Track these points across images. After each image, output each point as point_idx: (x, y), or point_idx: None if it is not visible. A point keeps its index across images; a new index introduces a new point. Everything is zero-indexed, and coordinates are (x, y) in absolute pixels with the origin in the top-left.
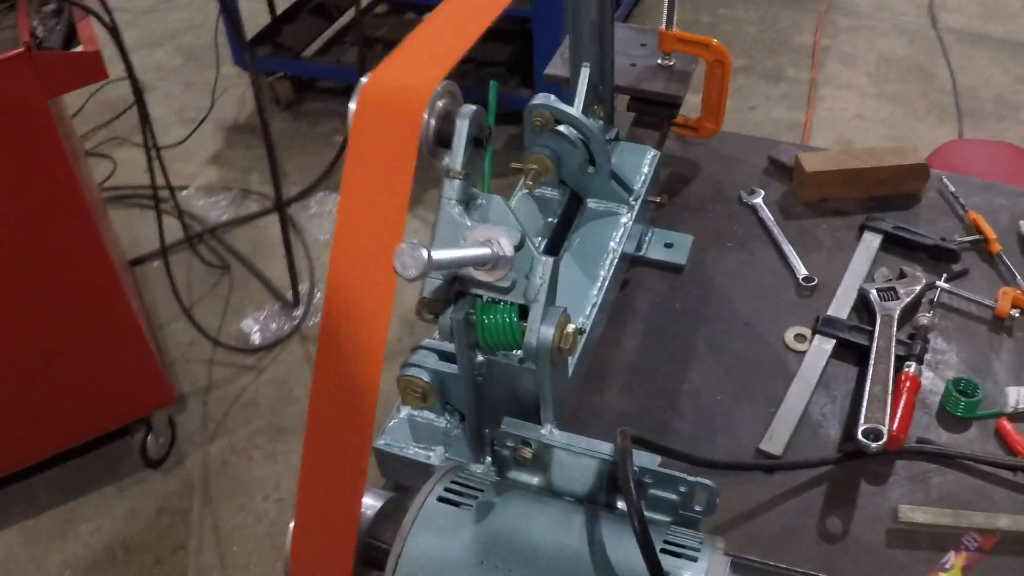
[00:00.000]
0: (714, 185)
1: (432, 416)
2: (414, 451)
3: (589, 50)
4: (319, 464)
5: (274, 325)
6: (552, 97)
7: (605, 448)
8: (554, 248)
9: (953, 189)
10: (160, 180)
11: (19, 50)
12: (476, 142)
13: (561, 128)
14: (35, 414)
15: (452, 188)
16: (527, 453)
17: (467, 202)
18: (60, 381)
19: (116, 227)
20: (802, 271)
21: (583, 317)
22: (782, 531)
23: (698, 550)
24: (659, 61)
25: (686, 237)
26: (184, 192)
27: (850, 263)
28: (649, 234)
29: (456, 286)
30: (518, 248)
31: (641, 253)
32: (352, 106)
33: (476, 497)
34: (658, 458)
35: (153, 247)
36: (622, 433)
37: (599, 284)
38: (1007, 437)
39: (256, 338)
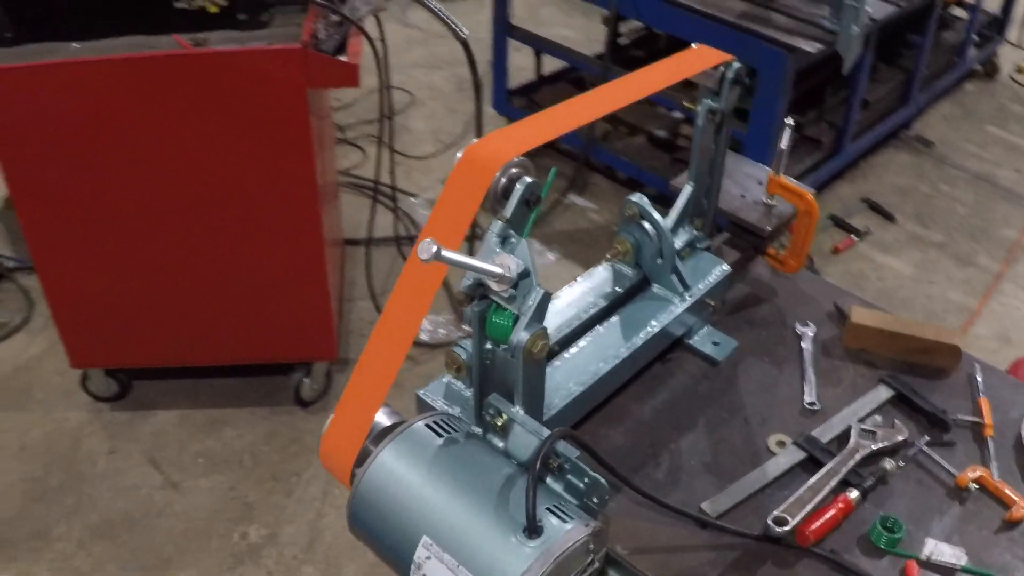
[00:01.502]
0: (780, 311)
1: (462, 386)
2: (440, 404)
3: (700, 173)
4: (358, 385)
5: (443, 331)
6: (644, 198)
7: (544, 433)
8: (611, 309)
9: (980, 378)
10: (386, 179)
11: (296, 46)
12: (526, 202)
13: (645, 223)
14: (227, 327)
15: (496, 226)
16: (499, 421)
17: (505, 238)
18: (253, 307)
19: (346, 208)
20: (810, 397)
21: (603, 363)
22: (686, 569)
23: (572, 519)
24: (764, 199)
25: (732, 342)
26: (412, 199)
27: (854, 403)
28: (704, 329)
29: (480, 290)
30: (522, 277)
31: (690, 341)
32: (458, 155)
33: (450, 434)
34: (576, 451)
35: (374, 234)
36: (559, 431)
37: (628, 345)
38: None
39: (424, 336)
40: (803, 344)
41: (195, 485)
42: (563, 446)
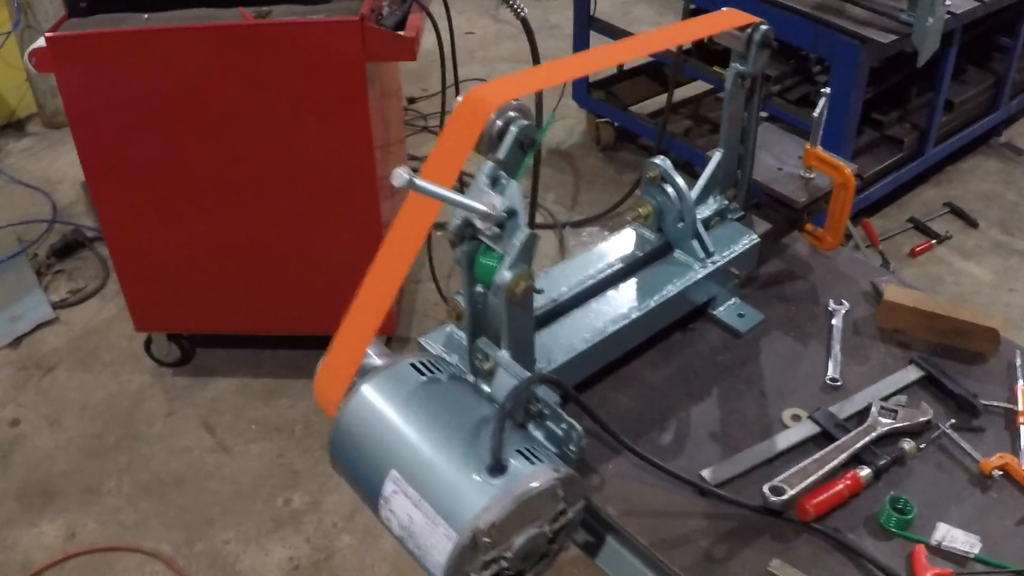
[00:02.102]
0: (813, 288)
1: (463, 335)
2: (439, 350)
3: (731, 140)
4: (351, 323)
5: None
6: (667, 160)
7: (521, 375)
8: (628, 272)
9: (1020, 363)
10: None
11: (354, 18)
12: (520, 145)
13: (667, 186)
14: (287, 298)
15: (487, 166)
16: (485, 365)
17: (495, 179)
18: (313, 278)
19: None
20: (833, 373)
21: (608, 323)
22: (677, 536)
23: (541, 463)
24: (801, 172)
25: (757, 315)
26: None
27: (880, 382)
28: (731, 300)
29: (469, 230)
30: (509, 217)
31: (714, 311)
32: (458, 99)
33: (434, 374)
34: (556, 397)
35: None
36: (539, 375)
37: (641, 308)
38: (915, 562)
39: None
40: (833, 321)
41: (245, 450)
42: (543, 391)
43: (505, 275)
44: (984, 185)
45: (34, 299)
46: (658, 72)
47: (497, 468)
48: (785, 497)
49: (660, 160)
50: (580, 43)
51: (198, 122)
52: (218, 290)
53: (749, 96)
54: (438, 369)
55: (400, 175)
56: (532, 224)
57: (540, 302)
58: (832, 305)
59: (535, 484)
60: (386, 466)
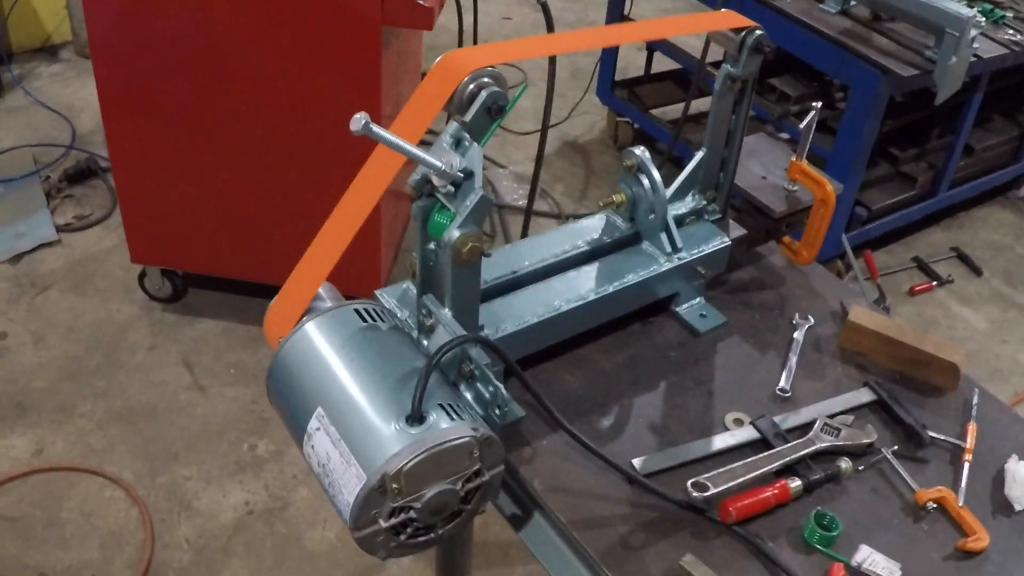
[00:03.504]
0: (782, 300)
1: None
2: (392, 305)
3: (715, 141)
4: (306, 264)
5: None
6: (647, 151)
7: (459, 333)
8: (593, 256)
9: (977, 402)
10: None
11: None
12: (488, 110)
13: (643, 176)
14: (280, 248)
15: (452, 127)
16: (427, 321)
17: (459, 140)
18: (307, 233)
19: None
20: (784, 384)
21: (563, 301)
22: (598, 519)
23: (460, 420)
24: (785, 184)
25: (720, 318)
26: (499, 169)
27: (830, 399)
28: (696, 300)
29: (427, 187)
30: (465, 177)
31: (677, 308)
32: (438, 59)
33: (375, 322)
34: (486, 358)
35: None
36: (473, 335)
37: (598, 291)
38: None
39: None
40: (795, 334)
41: (220, 392)
42: (478, 352)
43: (454, 233)
44: (994, 235)
45: (40, 219)
46: (685, 78)
47: (416, 418)
48: (708, 494)
49: (639, 150)
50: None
51: (217, 65)
52: (216, 232)
53: (738, 99)
54: (381, 318)
55: (358, 119)
56: (532, 210)
57: (498, 272)
58: (797, 319)
59: (450, 438)
60: (314, 403)
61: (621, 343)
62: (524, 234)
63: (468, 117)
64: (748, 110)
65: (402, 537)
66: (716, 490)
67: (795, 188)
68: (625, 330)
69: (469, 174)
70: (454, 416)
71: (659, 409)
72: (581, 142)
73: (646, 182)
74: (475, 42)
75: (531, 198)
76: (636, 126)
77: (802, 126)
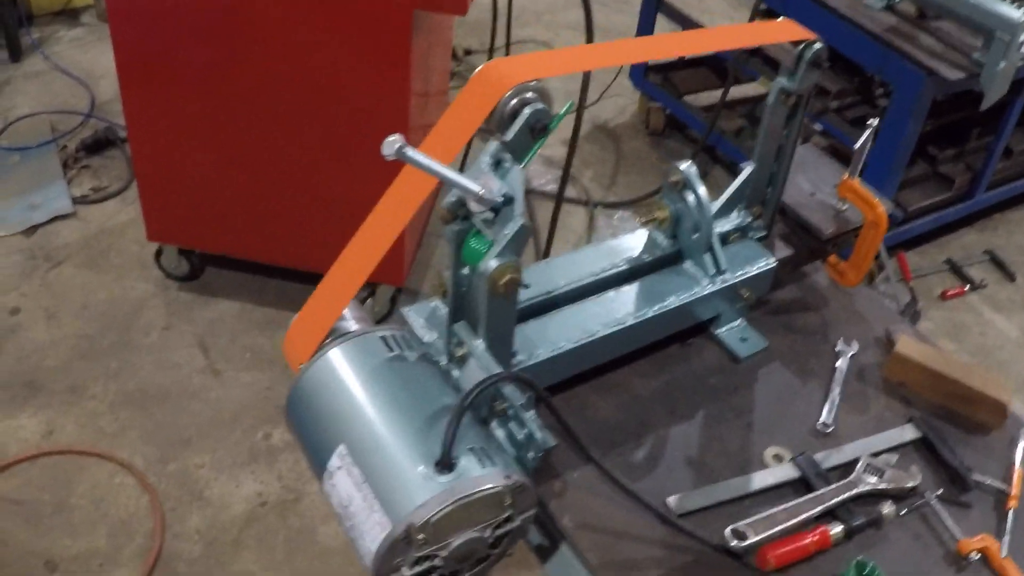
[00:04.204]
0: (825, 324)
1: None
2: (420, 326)
3: (765, 156)
4: (331, 283)
5: None
6: (693, 166)
7: (492, 368)
8: (632, 275)
9: (1023, 443)
10: None
11: None
12: (531, 129)
13: (688, 192)
14: (300, 231)
15: (492, 146)
16: (459, 351)
17: (499, 161)
18: (329, 216)
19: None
20: (826, 418)
21: (602, 326)
22: (629, 561)
23: (493, 466)
24: (834, 202)
25: (762, 342)
26: None
27: (873, 436)
28: (736, 322)
29: (463, 210)
30: (505, 203)
31: (717, 331)
32: (477, 71)
33: (402, 351)
34: (522, 397)
35: None
36: (509, 372)
37: (637, 315)
38: None
39: None
40: (838, 363)
41: (235, 377)
42: (511, 390)
43: (490, 264)
44: None
45: (56, 190)
46: (719, 65)
47: (445, 464)
48: (747, 543)
49: (685, 165)
50: (645, 23)
51: (240, 37)
52: (235, 212)
53: (792, 114)
54: (408, 347)
55: (391, 143)
56: (563, 197)
57: (533, 293)
58: (840, 345)
59: (481, 487)
60: (336, 438)
61: (657, 367)
62: (553, 223)
63: (509, 136)
64: (801, 125)
65: None
66: (756, 538)
67: (844, 207)
68: (662, 352)
69: (509, 200)
70: (485, 462)
71: (696, 441)
72: (612, 126)
73: (692, 199)
74: (509, 17)
75: (562, 186)
76: (668, 112)
77: (857, 145)
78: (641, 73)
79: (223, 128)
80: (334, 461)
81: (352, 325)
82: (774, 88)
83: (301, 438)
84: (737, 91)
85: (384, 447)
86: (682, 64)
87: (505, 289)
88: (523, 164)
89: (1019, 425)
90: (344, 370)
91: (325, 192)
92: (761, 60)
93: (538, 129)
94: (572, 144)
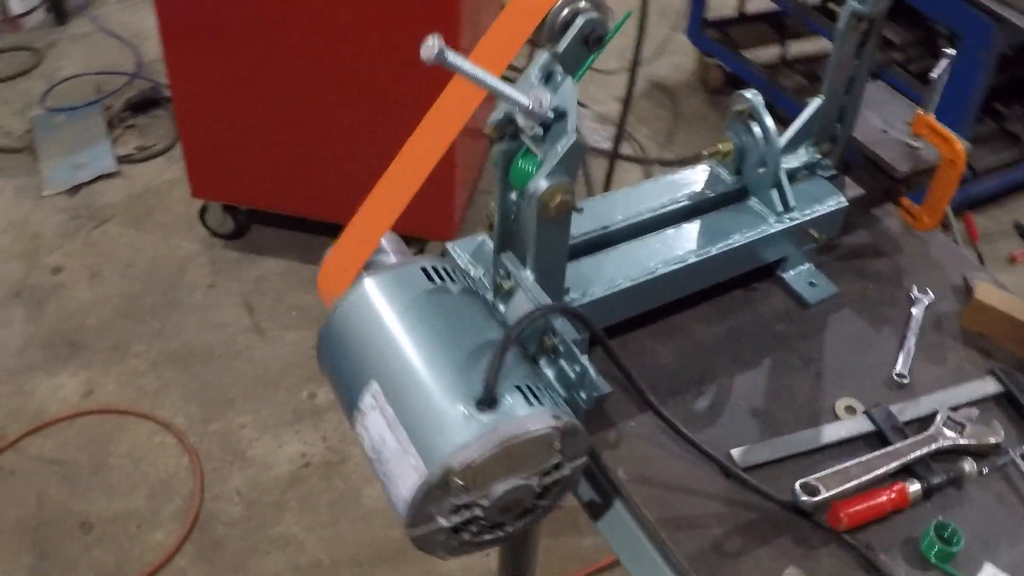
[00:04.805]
0: (898, 270)
1: None
2: (464, 261)
3: (834, 88)
4: (368, 211)
5: None
6: (759, 96)
7: (541, 301)
8: (695, 212)
9: None
10: None
11: None
12: (584, 40)
13: (754, 124)
14: (348, 186)
15: (543, 58)
16: (506, 283)
17: (550, 73)
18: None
19: None
20: (902, 368)
21: (659, 263)
22: (689, 517)
23: (540, 405)
24: (908, 140)
25: (831, 287)
26: (583, 109)
27: (952, 388)
28: (804, 266)
29: (511, 128)
30: (556, 118)
31: (783, 274)
32: None
33: (444, 282)
34: (575, 333)
35: None
36: (560, 304)
37: (699, 253)
38: None
39: None
40: (913, 310)
41: (280, 336)
42: (563, 324)
43: (540, 184)
44: None
45: (100, 150)
46: (779, 21)
47: (488, 402)
48: (819, 499)
49: (751, 94)
50: None
51: None
52: (279, 168)
53: (863, 41)
54: (452, 279)
55: (430, 46)
56: (617, 155)
57: (588, 227)
58: (915, 292)
59: (528, 428)
60: (369, 375)
61: (721, 311)
62: (608, 180)
63: (561, 47)
64: (874, 53)
65: (465, 536)
66: (828, 494)
67: (919, 145)
68: (726, 296)
69: (561, 114)
70: (532, 400)
71: (762, 391)
72: (668, 84)
73: (758, 131)
74: None
75: (617, 142)
76: (727, 69)
77: (934, 75)
78: (698, 28)
79: (266, 83)
80: (366, 399)
81: (391, 258)
82: (845, 12)
83: (333, 378)
84: (797, 48)
85: (420, 384)
86: (740, 19)
87: (556, 212)
88: (576, 78)
89: None
90: (380, 302)
91: (372, 145)
92: (824, 15)
93: (592, 40)
94: (627, 100)
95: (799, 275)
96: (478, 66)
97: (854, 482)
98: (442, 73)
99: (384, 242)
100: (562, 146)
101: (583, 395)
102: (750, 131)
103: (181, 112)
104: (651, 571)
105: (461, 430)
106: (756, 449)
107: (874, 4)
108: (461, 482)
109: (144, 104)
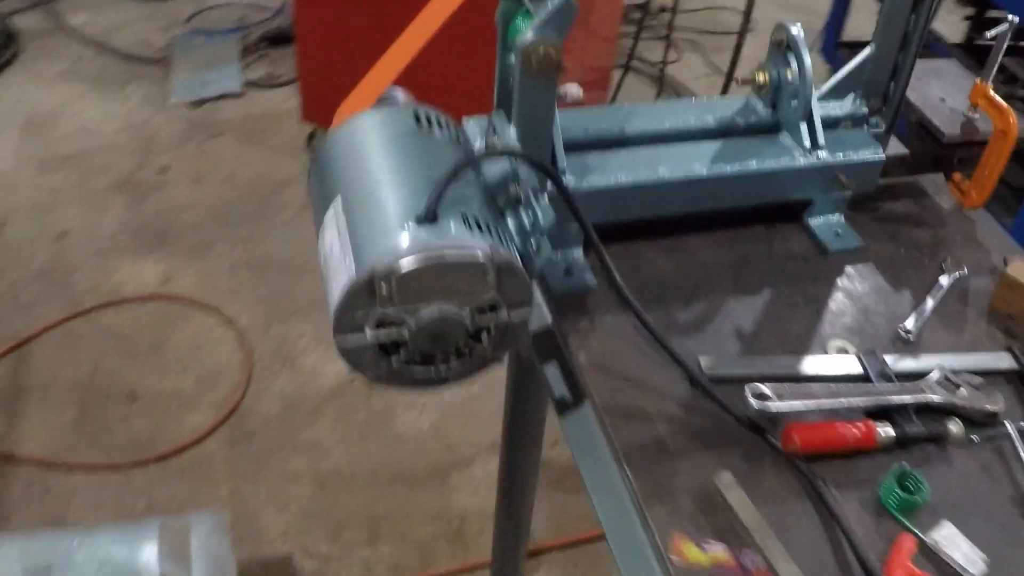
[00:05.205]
0: (937, 242)
1: None
2: (475, 133)
3: (884, 41)
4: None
5: None
6: (800, 28)
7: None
8: (723, 133)
9: None
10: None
11: None
12: None
13: (791, 56)
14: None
15: None
16: (494, 141)
17: None
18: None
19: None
20: (911, 325)
21: (667, 170)
22: (639, 411)
23: (479, 233)
24: (964, 110)
25: (856, 240)
26: None
27: (961, 354)
28: (834, 216)
29: None
30: None
31: (809, 218)
32: None
33: (431, 128)
34: (536, 183)
35: None
36: (526, 153)
37: (712, 168)
38: (894, 553)
39: None
40: (942, 279)
41: None
42: (527, 172)
43: (527, 35)
44: None
45: (230, 71)
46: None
47: (427, 219)
48: (768, 405)
49: (792, 24)
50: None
51: None
52: None
53: None
54: (440, 127)
55: None
56: None
57: (604, 125)
58: (948, 264)
59: (458, 246)
60: (336, 191)
61: (734, 241)
62: None
63: None
64: (932, 10)
65: (393, 362)
66: (780, 404)
67: (977, 116)
68: (743, 228)
69: None
70: (473, 228)
71: (753, 316)
72: None
73: (794, 63)
74: None
75: None
76: None
77: (991, 35)
78: (832, 48)
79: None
80: (329, 212)
81: (400, 102)
82: None
83: (313, 198)
84: None
85: (375, 200)
86: None
87: (539, 65)
88: None
89: None
90: (365, 133)
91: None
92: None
93: None
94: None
95: (825, 223)
96: None
97: (814, 401)
98: None
99: (398, 94)
100: (553, 3)
101: (533, 242)
102: (788, 63)
103: (302, 40)
104: (596, 464)
105: (394, 239)
106: (727, 362)
107: None
108: (386, 288)
109: (279, 39)
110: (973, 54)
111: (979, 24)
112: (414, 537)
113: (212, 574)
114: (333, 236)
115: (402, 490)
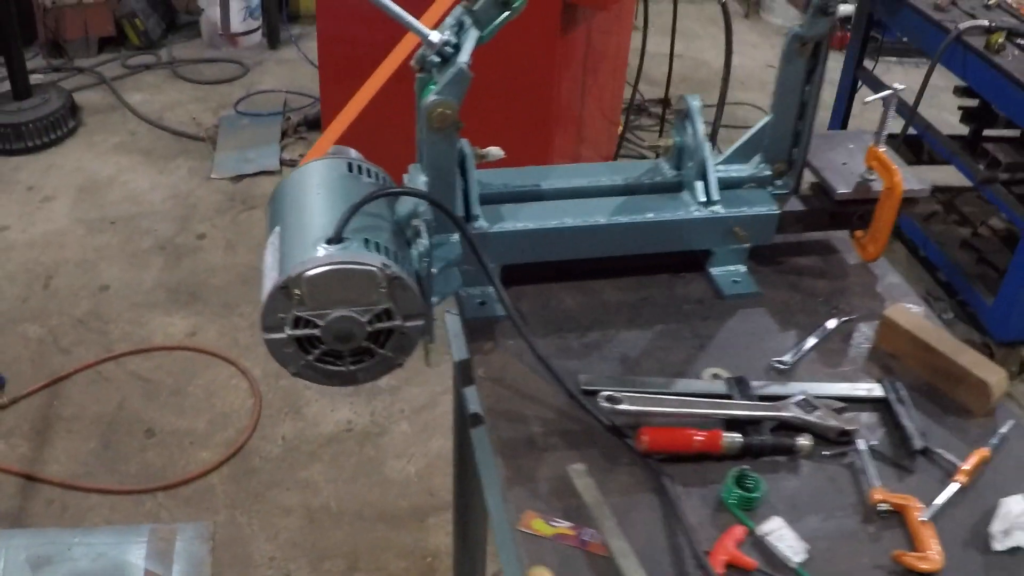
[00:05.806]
0: (835, 293)
1: None
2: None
3: (782, 109)
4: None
5: None
6: (698, 100)
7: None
8: (629, 191)
9: (1004, 431)
10: None
11: None
12: (498, 2)
13: (688, 123)
14: None
15: (458, 9)
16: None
17: (461, 24)
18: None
19: None
20: (785, 358)
21: (572, 218)
22: (516, 414)
23: (375, 253)
24: (862, 171)
25: (752, 287)
26: None
27: (829, 383)
28: (736, 266)
29: (429, 63)
30: (454, 51)
31: (710, 268)
32: None
33: (360, 176)
34: (431, 218)
35: None
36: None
37: (611, 218)
38: (722, 540)
39: None
40: (828, 322)
41: None
42: (425, 209)
43: (430, 100)
44: None
45: (270, 150)
46: (916, 144)
47: (335, 240)
48: (618, 408)
49: (691, 97)
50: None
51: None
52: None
53: (812, 66)
54: (369, 176)
55: None
56: None
57: (521, 182)
58: (838, 309)
59: (355, 261)
60: (279, 219)
61: (639, 286)
62: None
63: (476, 5)
64: (822, 77)
65: (310, 357)
66: (629, 408)
67: (872, 177)
68: (649, 276)
69: (456, 47)
70: (372, 248)
71: (641, 346)
72: None
73: (690, 130)
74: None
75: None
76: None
77: (872, 99)
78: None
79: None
80: (272, 236)
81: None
82: (788, 38)
83: (267, 222)
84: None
85: (302, 225)
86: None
87: (438, 123)
88: (484, 33)
89: (1007, 415)
90: (309, 176)
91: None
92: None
93: (508, 3)
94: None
95: (725, 272)
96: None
97: (664, 408)
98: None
99: (347, 149)
100: (450, 72)
101: (420, 266)
102: (685, 131)
103: (326, 123)
104: (483, 456)
105: (308, 253)
106: (604, 380)
107: (809, 28)
108: (298, 293)
109: (318, 122)
110: (969, 147)
111: (976, 116)
112: (389, 571)
113: (189, 574)
114: (271, 254)
115: (383, 528)
